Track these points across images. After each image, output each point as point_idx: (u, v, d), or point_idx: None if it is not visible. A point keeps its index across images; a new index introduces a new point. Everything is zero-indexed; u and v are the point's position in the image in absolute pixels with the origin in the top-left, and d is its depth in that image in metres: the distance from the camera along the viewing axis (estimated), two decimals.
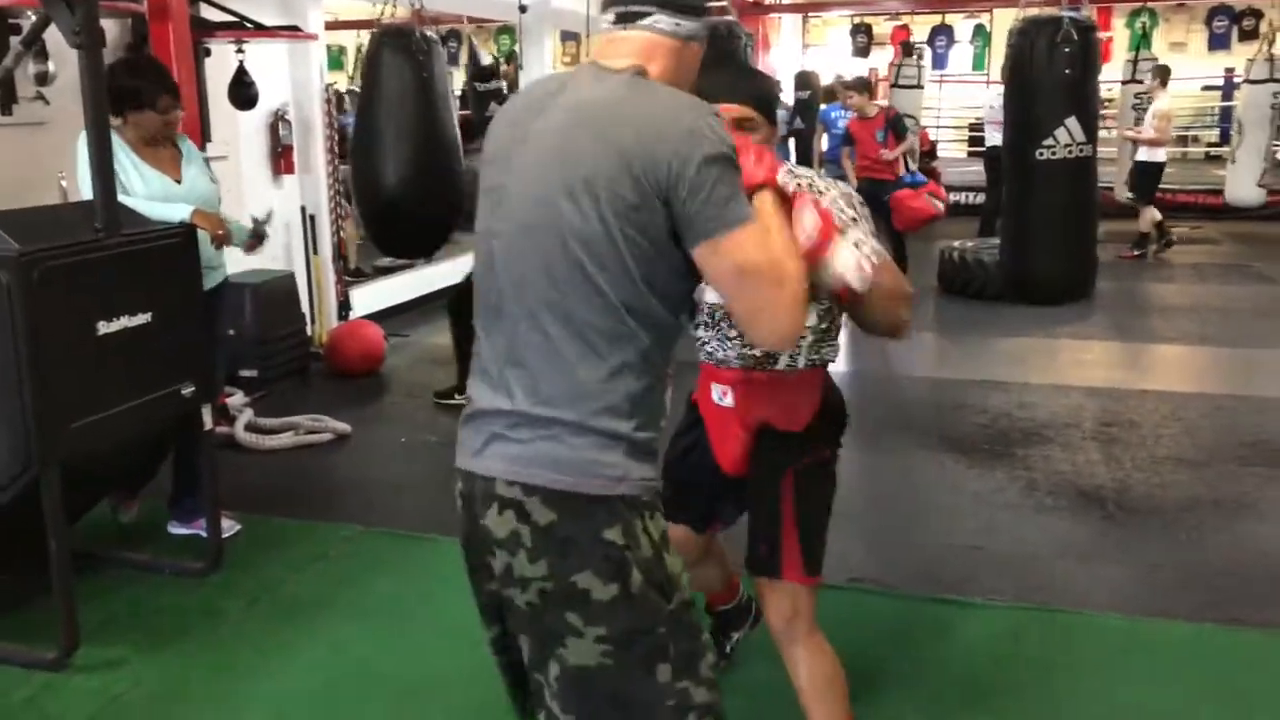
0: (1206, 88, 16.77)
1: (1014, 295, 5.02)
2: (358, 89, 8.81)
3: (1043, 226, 4.58)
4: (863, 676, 2.65)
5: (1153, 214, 9.67)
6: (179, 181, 3.64)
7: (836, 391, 2.36)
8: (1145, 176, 9.57)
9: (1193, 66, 15.85)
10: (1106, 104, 12.97)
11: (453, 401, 5.31)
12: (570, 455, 1.49)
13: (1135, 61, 10.01)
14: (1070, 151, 4.33)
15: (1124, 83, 10.16)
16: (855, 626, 3.08)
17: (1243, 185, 9.47)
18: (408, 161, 4.53)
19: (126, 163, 3.51)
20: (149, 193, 3.51)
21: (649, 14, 1.56)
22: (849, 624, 2.99)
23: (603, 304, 1.47)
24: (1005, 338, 6.71)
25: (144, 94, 3.54)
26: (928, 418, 5.24)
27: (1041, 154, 4.36)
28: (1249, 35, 15.02)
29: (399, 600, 3.47)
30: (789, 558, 2.23)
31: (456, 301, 5.25)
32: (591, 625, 1.50)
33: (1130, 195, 9.68)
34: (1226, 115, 15.27)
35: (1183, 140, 17.05)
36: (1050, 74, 4.32)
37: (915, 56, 12.32)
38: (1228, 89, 15.67)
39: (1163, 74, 9.59)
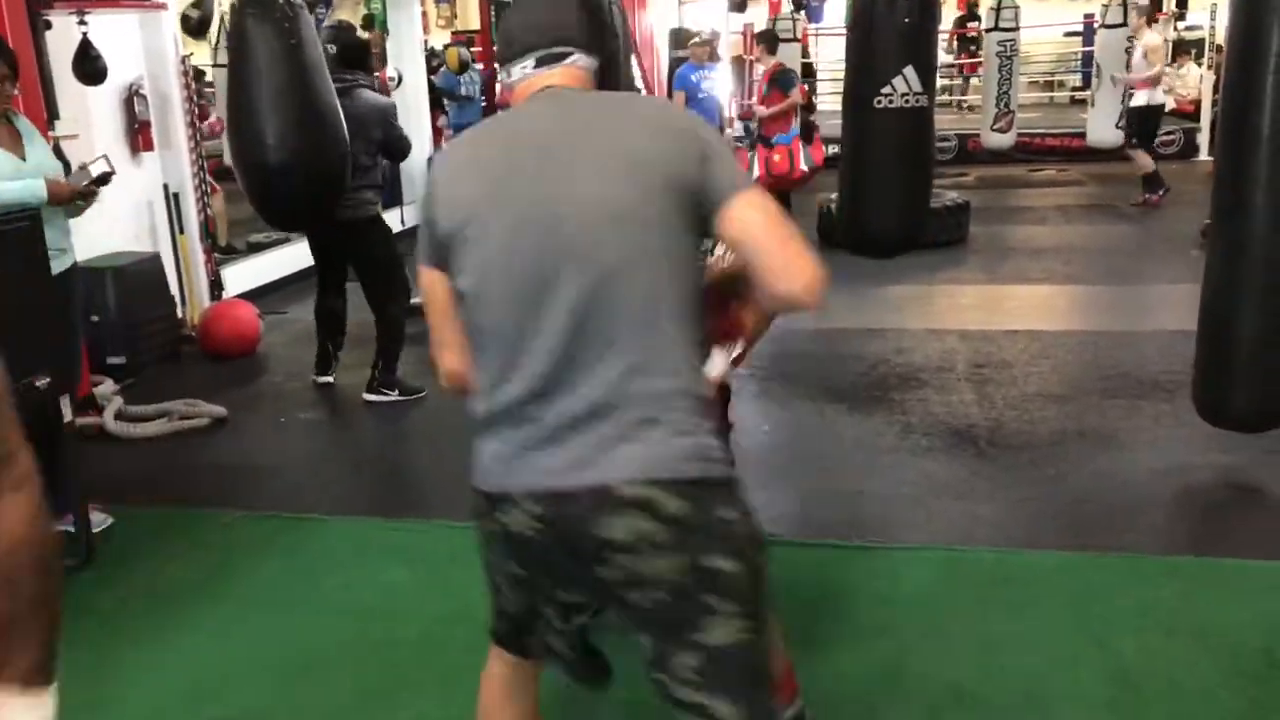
0: (1069, 34, 17.28)
1: (849, 245, 4.98)
2: (217, 64, 8.58)
3: (877, 177, 4.63)
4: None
5: (1147, 161, 9.51)
6: (24, 160, 3.47)
7: None
8: (1145, 119, 9.39)
9: (1055, 13, 16.31)
10: (974, 53, 13.27)
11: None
12: (691, 445, 1.57)
13: (999, 9, 10.23)
14: (907, 100, 4.40)
15: (987, 30, 10.39)
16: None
17: (1102, 127, 9.78)
18: (284, 134, 4.38)
19: None
20: None
21: (570, 54, 1.74)
22: None
23: (680, 294, 1.60)
24: (883, 286, 6.85)
25: None
26: (809, 368, 5.33)
27: (880, 102, 4.42)
28: None
29: (282, 583, 3.41)
30: None
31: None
32: (719, 605, 1.56)
33: (1132, 141, 9.42)
34: (1088, 60, 15.77)
35: (1048, 85, 17.58)
36: (890, 22, 4.37)
37: (792, 10, 12.37)
38: (1088, 34, 16.18)
39: (1147, 11, 9.42)
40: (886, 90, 4.28)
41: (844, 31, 14.97)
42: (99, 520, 3.64)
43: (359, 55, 5.12)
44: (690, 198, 1.58)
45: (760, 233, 1.59)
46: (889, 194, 4.62)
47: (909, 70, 4.29)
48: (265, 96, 4.46)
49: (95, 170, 3.57)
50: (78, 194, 3.43)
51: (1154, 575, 3.22)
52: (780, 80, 8.16)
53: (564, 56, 1.73)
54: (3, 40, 3.58)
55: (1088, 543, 3.42)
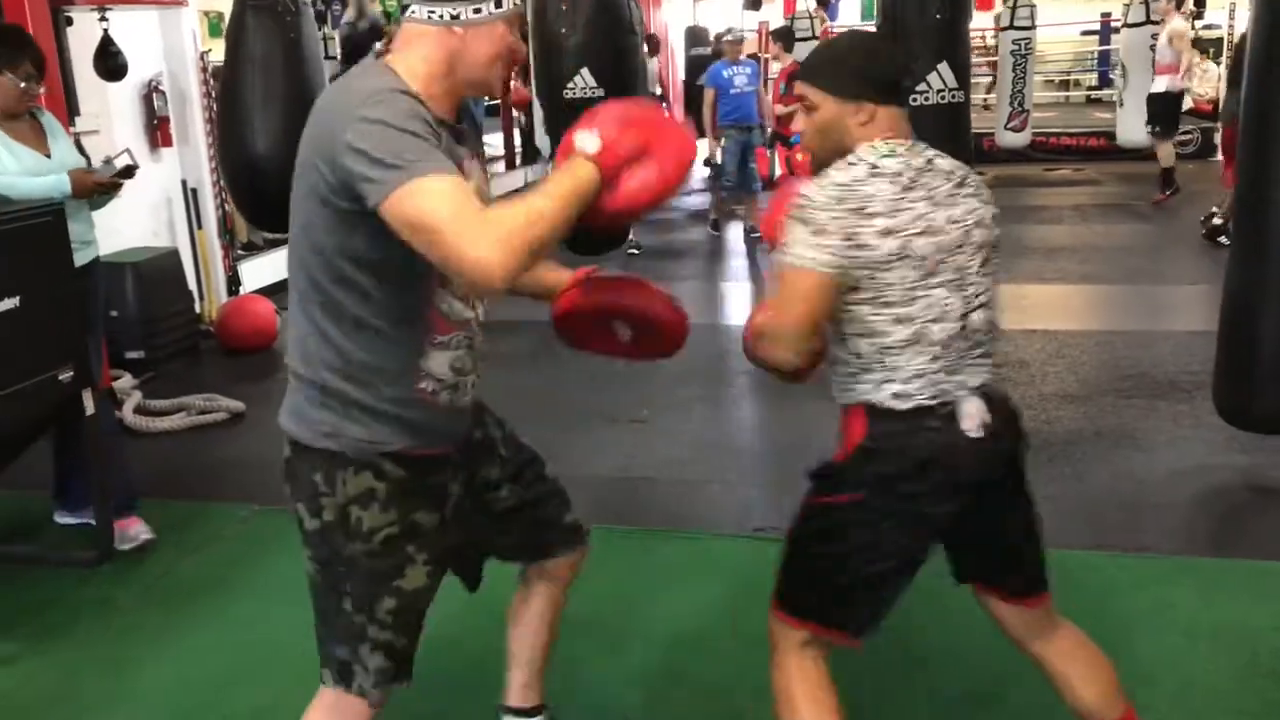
0: (1085, 32, 17.22)
1: None
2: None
3: None
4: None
5: (1170, 152, 9.42)
6: (49, 156, 3.49)
7: (891, 438, 1.92)
8: (1165, 107, 9.29)
9: (1071, 12, 16.26)
10: (984, 50, 13.24)
11: None
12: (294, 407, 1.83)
13: (1014, 7, 10.21)
14: (943, 97, 4.39)
15: (1002, 29, 10.37)
16: (759, 576, 3.13)
17: (1131, 127, 9.71)
18: (276, 130, 4.39)
19: None
20: (20, 167, 3.37)
21: (408, 5, 1.70)
22: (752, 574, 3.04)
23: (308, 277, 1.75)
24: None
25: (1, 59, 3.35)
26: (826, 366, 5.32)
27: (915, 100, 4.42)
28: None
29: (299, 578, 3.40)
30: (776, 585, 2.09)
31: None
32: (304, 546, 1.86)
33: (1152, 129, 9.35)
34: (1104, 59, 15.73)
35: (1065, 84, 17.52)
36: (922, 19, 4.36)
37: (824, 7, 12.35)
38: (1105, 33, 16.12)
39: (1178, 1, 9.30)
40: (921, 88, 4.27)
41: (863, 29, 14.95)
42: (137, 533, 3.57)
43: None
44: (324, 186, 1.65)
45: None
46: None
47: (943, 66, 4.28)
48: (258, 92, 4.45)
49: (120, 163, 3.59)
50: (101, 186, 3.44)
51: (1172, 575, 3.21)
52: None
53: (405, 8, 1.72)
54: (30, 38, 3.57)
55: (1106, 542, 3.41)
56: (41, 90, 3.53)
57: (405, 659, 1.88)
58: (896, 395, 1.90)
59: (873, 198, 1.81)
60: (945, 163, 1.93)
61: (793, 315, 1.87)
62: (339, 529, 1.78)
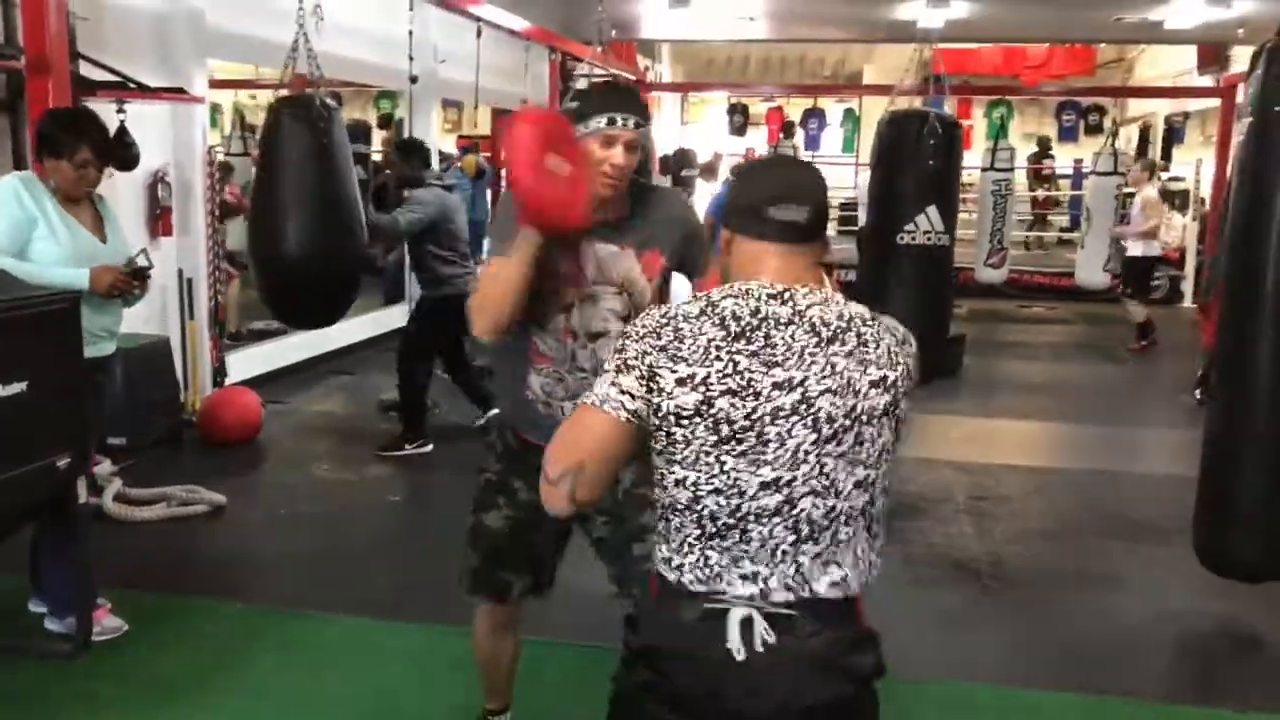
0: (1059, 176, 17.80)
1: None
2: (229, 153, 8.80)
3: (901, 310, 4.78)
4: None
5: (1141, 310, 9.72)
6: (104, 242, 3.54)
7: (650, 611, 1.70)
8: (1139, 271, 9.66)
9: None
10: (966, 187, 13.67)
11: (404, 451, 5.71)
12: None
13: (994, 150, 10.60)
14: (929, 238, 4.58)
15: (984, 169, 10.74)
16: None
17: (1091, 269, 10.08)
18: (308, 230, 4.49)
19: (54, 214, 3.40)
20: (75, 248, 3.41)
21: None
22: None
23: None
24: None
25: (60, 143, 3.42)
26: None
27: (902, 239, 4.60)
28: (1094, 129, 16.13)
29: (279, 679, 3.36)
30: None
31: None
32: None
33: (1127, 291, 9.75)
34: (1076, 203, 16.24)
35: (1040, 224, 18.02)
36: (915, 164, 4.57)
37: (792, 138, 12.80)
38: (1077, 178, 16.69)
39: (1150, 166, 9.77)
40: (909, 228, 4.44)
41: (839, 161, 15.36)
42: (113, 626, 3.55)
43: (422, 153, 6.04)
44: None
45: None
46: (911, 327, 4.74)
47: (932, 209, 4.46)
48: (291, 193, 4.57)
49: (139, 262, 3.63)
50: (115, 287, 3.47)
51: None
52: None
53: None
54: (90, 122, 3.57)
55: (1089, 684, 3.42)
56: (103, 174, 3.58)
57: (477, 577, 2.59)
58: (666, 560, 1.63)
59: (685, 339, 1.56)
60: (827, 312, 1.58)
61: (570, 462, 1.62)
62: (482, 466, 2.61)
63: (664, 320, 1.60)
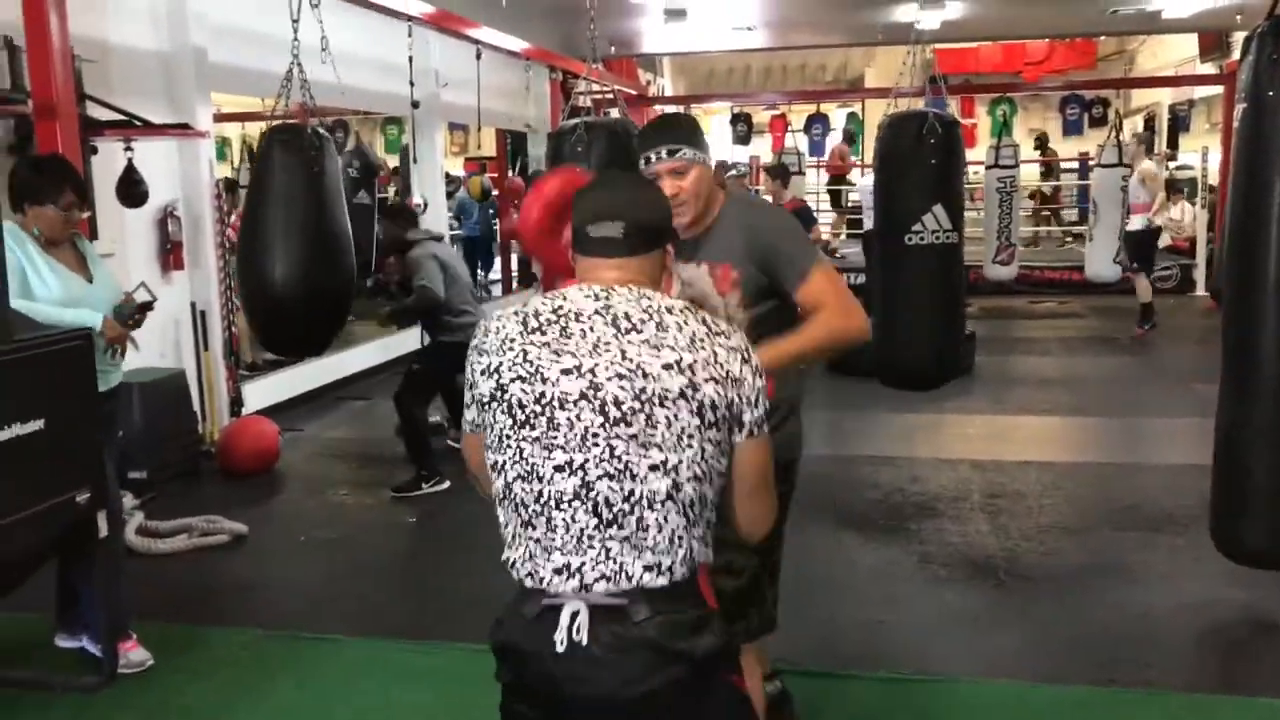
0: (1065, 170, 17.78)
1: (884, 379, 5.11)
2: (241, 179, 8.90)
3: (912, 312, 4.79)
4: None
5: (1148, 288, 9.71)
6: (90, 280, 3.61)
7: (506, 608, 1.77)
8: (1140, 244, 9.68)
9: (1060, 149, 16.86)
10: (974, 185, 13.66)
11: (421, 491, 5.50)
12: None
13: (998, 147, 10.60)
14: (939, 238, 4.59)
15: (988, 167, 10.74)
16: None
17: (1100, 262, 10.03)
18: (296, 260, 4.52)
19: (40, 261, 3.47)
20: (65, 291, 3.48)
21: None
22: None
23: None
24: (893, 413, 6.94)
25: (44, 190, 3.49)
26: (822, 494, 5.36)
27: (910, 239, 4.61)
28: (1099, 122, 16.08)
29: (304, 705, 3.39)
30: None
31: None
32: None
33: (1130, 265, 9.71)
34: (1084, 195, 16.21)
35: (1047, 219, 18.00)
36: (917, 165, 4.58)
37: (795, 145, 12.85)
38: (1083, 171, 16.66)
39: (1147, 140, 9.73)
40: (917, 228, 4.46)
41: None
42: (138, 660, 3.59)
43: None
44: None
45: None
46: (924, 328, 4.77)
47: (938, 208, 4.48)
48: (279, 223, 4.60)
49: (139, 298, 3.69)
50: (119, 340, 3.56)
51: (1180, 713, 3.22)
52: (803, 216, 8.37)
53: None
54: (71, 167, 3.71)
55: (1110, 677, 3.42)
56: (84, 216, 3.66)
57: None
58: (506, 558, 1.70)
59: (490, 335, 1.70)
60: (634, 307, 1.65)
61: (471, 476, 1.88)
62: None
63: (486, 328, 1.74)
